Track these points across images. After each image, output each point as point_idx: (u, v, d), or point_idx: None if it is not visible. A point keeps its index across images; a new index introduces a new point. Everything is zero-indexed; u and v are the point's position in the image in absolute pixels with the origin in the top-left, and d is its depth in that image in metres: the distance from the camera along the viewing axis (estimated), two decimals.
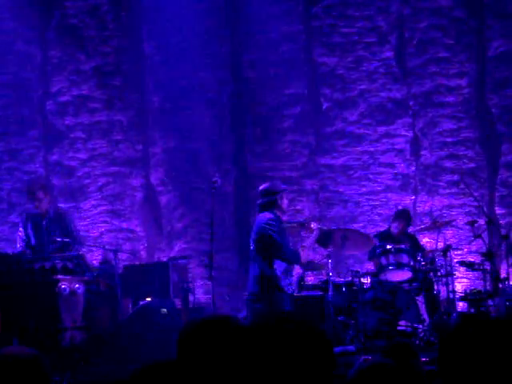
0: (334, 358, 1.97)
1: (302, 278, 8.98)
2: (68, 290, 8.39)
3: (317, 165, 11.76)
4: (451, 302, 9.23)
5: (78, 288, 8.53)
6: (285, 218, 8.32)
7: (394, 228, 9.83)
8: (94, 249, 10.97)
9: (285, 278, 7.85)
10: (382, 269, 9.10)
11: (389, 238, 9.76)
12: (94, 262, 10.83)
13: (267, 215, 7.89)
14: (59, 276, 8.46)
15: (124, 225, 11.91)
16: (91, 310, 8.81)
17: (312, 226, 8.32)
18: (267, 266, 7.80)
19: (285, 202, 8.07)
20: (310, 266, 9.47)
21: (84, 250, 10.32)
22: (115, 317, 9.16)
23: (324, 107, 11.77)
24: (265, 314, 1.95)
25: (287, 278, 7.87)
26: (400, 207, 10.70)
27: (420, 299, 9.32)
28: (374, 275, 9.29)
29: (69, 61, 12.00)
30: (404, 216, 9.96)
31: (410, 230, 10.36)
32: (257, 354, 1.87)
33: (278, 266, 7.86)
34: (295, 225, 8.82)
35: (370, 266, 10.15)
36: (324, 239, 8.85)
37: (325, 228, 8.93)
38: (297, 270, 8.12)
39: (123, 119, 12.04)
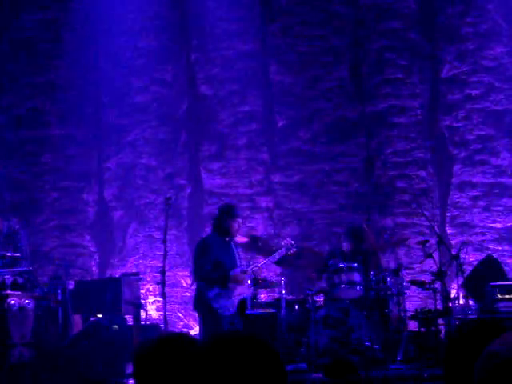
0: (286, 376, 1.97)
1: (254, 296, 8.97)
2: (17, 305, 8.26)
3: (272, 182, 11.79)
4: (402, 321, 9.29)
5: (28, 304, 8.40)
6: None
7: (347, 245, 9.87)
8: (44, 264, 10.82)
9: (218, 300, 7.91)
10: (334, 287, 9.13)
11: (341, 255, 9.79)
12: (45, 277, 10.69)
13: (204, 236, 8.12)
14: (8, 291, 8.33)
15: (76, 240, 11.78)
16: (41, 326, 8.69)
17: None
18: (202, 287, 7.97)
19: (233, 226, 8.13)
20: (262, 284, 9.47)
21: (35, 265, 10.19)
22: (65, 333, 9.04)
23: (279, 125, 11.82)
24: (217, 334, 1.93)
25: (222, 300, 7.91)
26: (351, 225, 10.71)
27: (372, 317, 9.36)
28: (326, 293, 9.32)
29: (22, 74, 11.88)
30: (354, 234, 9.97)
31: (363, 248, 10.42)
32: (209, 374, 1.86)
33: (212, 289, 7.96)
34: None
35: (322, 284, 10.18)
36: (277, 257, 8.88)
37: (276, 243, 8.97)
38: (239, 290, 8.10)
39: (77, 133, 11.95)
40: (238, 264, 8.22)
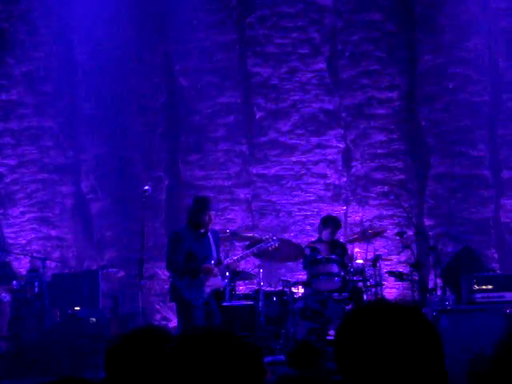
0: (262, 373, 1.95)
1: (233, 288, 8.96)
2: None
3: (250, 174, 11.78)
4: None
5: (4, 297, 8.36)
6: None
7: (325, 235, 9.85)
8: (21, 257, 10.76)
9: (189, 291, 7.92)
10: (312, 278, 9.14)
11: (320, 246, 9.78)
12: (22, 270, 10.63)
13: (176, 228, 8.18)
14: None
15: (53, 232, 11.71)
16: (18, 318, 8.65)
17: None
18: (174, 278, 8.00)
19: (204, 219, 8.13)
20: (241, 276, 9.46)
21: (11, 257, 10.13)
22: (42, 326, 9.00)
23: (257, 117, 11.81)
24: (189, 329, 1.90)
25: (193, 291, 7.93)
26: (329, 214, 10.70)
27: (349, 309, 9.38)
28: (304, 285, 9.33)
29: None
30: (332, 222, 9.98)
31: (341, 239, 10.44)
32: (183, 367, 1.84)
33: (183, 279, 7.99)
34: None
35: (300, 276, 10.19)
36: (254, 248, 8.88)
37: (257, 236, 8.97)
38: (211, 282, 8.09)
39: (54, 125, 11.87)
40: (214, 256, 8.20)
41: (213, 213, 8.27)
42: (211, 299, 8.11)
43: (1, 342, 8.21)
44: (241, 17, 11.94)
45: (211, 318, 7.98)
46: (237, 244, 9.52)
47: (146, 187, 8.46)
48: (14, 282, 8.83)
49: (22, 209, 11.73)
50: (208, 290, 8.06)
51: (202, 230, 8.18)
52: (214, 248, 8.21)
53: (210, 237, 8.26)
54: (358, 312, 1.89)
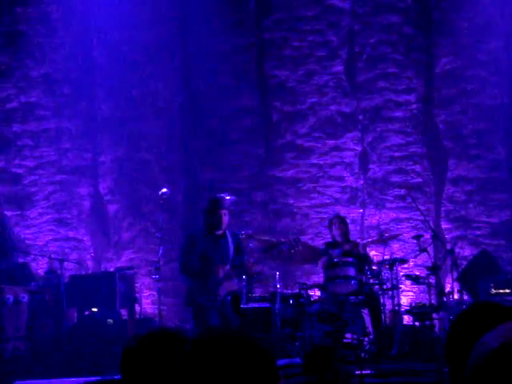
0: (277, 375, 1.95)
1: (249, 290, 8.97)
2: (12, 299, 8.26)
3: (266, 177, 11.79)
4: (396, 315, 9.31)
5: (23, 297, 8.41)
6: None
7: (337, 236, 9.86)
8: (39, 258, 10.82)
9: (203, 294, 7.93)
10: (328, 281, 9.15)
11: (336, 247, 9.78)
12: (40, 271, 10.69)
13: (192, 230, 8.23)
14: (3, 285, 8.33)
15: (71, 234, 11.77)
16: (35, 319, 8.70)
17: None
18: (187, 281, 8.02)
19: (214, 220, 8.12)
20: (257, 278, 9.47)
21: (29, 258, 10.20)
22: (60, 327, 9.04)
23: (274, 119, 11.82)
24: (206, 331, 1.90)
25: (206, 294, 7.94)
26: (335, 214, 10.69)
27: (366, 312, 9.38)
28: (321, 287, 9.33)
29: (17, 67, 11.84)
30: (339, 220, 9.98)
31: (359, 241, 10.44)
32: (197, 371, 1.85)
33: (196, 282, 8.00)
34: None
35: (317, 279, 10.19)
36: (272, 251, 8.89)
37: (274, 240, 8.98)
38: (224, 284, 8.07)
39: (72, 127, 11.92)
40: (231, 258, 8.20)
41: (224, 212, 8.18)
42: (226, 302, 8.11)
43: (19, 343, 8.27)
44: (258, 20, 11.96)
45: (227, 322, 7.98)
46: (251, 246, 9.50)
47: (164, 189, 8.48)
48: (32, 283, 8.89)
49: (39, 210, 11.79)
50: (222, 292, 8.06)
51: (219, 232, 8.17)
52: (231, 250, 8.19)
53: (229, 238, 8.23)
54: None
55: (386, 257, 9.61)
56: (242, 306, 8.42)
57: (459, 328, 2.16)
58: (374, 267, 9.49)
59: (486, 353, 1.59)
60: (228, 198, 8.25)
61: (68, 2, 11.91)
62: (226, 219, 8.20)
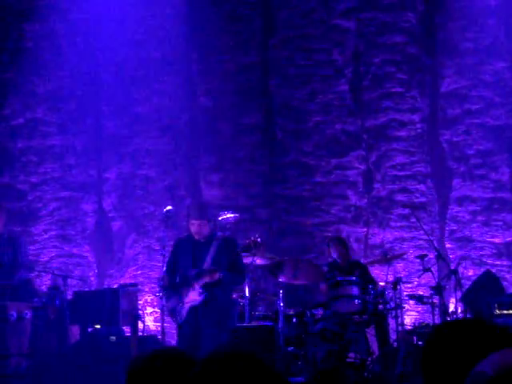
0: None
1: (252, 308, 8.93)
2: (15, 315, 8.24)
3: (271, 194, 11.79)
4: (405, 335, 9.27)
5: (26, 314, 8.39)
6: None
7: (337, 258, 9.88)
8: (43, 274, 10.82)
9: (172, 309, 7.88)
10: (332, 300, 9.12)
11: (337, 268, 9.78)
12: (43, 287, 10.68)
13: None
14: (7, 302, 8.32)
15: (74, 250, 11.77)
16: (39, 336, 8.67)
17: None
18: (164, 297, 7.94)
19: (189, 227, 8.14)
20: (260, 296, 9.45)
21: (33, 275, 10.19)
22: (63, 343, 9.01)
23: (279, 137, 11.84)
24: (215, 350, 1.90)
25: (175, 310, 7.87)
26: (334, 235, 10.70)
27: (369, 331, 9.35)
28: (324, 306, 9.30)
29: (23, 83, 11.89)
30: (336, 242, 9.98)
31: (361, 260, 10.43)
32: None
33: (169, 299, 7.91)
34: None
35: (320, 298, 10.16)
36: (275, 269, 8.89)
37: (277, 258, 8.96)
38: (190, 297, 7.92)
39: (77, 144, 11.95)
40: (205, 267, 7.89)
41: (195, 222, 8.06)
42: (190, 317, 7.87)
43: (22, 360, 8.24)
44: (264, 38, 12.01)
45: (196, 341, 7.74)
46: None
47: (169, 207, 8.46)
48: (36, 299, 8.86)
49: (43, 226, 11.80)
50: (186, 306, 7.90)
51: (201, 239, 8.06)
52: (209, 258, 7.94)
53: (214, 245, 7.97)
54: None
55: (390, 276, 9.59)
56: (244, 324, 8.39)
57: (435, 344, 2.16)
58: (377, 286, 9.47)
59: (482, 382, 1.59)
60: (232, 215, 8.20)
61: (74, 20, 11.97)
62: (198, 229, 8.05)
